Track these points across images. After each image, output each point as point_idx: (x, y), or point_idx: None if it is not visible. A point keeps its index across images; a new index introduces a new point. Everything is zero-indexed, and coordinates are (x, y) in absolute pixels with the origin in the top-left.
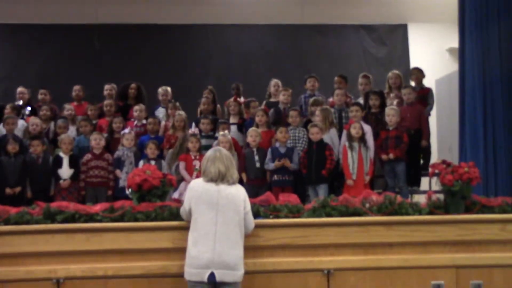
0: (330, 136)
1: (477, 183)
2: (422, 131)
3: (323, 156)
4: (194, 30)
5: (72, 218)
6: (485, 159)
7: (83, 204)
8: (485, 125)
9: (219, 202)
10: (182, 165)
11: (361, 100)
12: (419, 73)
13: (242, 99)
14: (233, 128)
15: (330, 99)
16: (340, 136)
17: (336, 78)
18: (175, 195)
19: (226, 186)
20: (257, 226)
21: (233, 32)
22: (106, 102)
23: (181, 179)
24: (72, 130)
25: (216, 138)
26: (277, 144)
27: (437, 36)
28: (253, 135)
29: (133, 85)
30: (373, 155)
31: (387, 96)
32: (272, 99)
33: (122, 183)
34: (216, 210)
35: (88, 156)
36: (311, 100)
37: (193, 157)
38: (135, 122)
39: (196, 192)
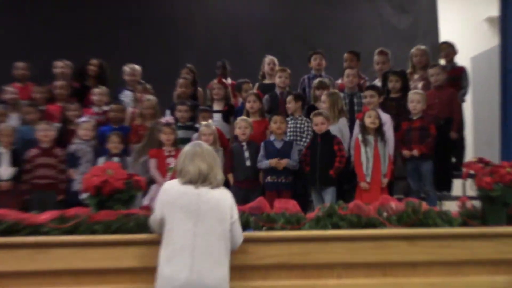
0: (339, 127)
1: None
2: (453, 121)
3: (330, 152)
4: None
5: (13, 229)
6: None
7: (26, 211)
8: None
9: (199, 209)
10: (153, 163)
11: (378, 83)
12: (450, 49)
13: (229, 81)
14: (217, 116)
15: (339, 81)
16: (351, 127)
17: (346, 55)
18: (145, 201)
19: (208, 190)
20: (247, 240)
21: None
22: (57, 83)
23: (152, 181)
24: (14, 118)
25: (195, 129)
26: (272, 137)
27: (473, 2)
28: (242, 126)
29: (93, 61)
30: (393, 151)
31: (410, 77)
32: (266, 81)
33: (76, 185)
34: (195, 219)
35: (33, 151)
36: (316, 82)
37: (167, 153)
38: (95, 109)
39: (170, 196)
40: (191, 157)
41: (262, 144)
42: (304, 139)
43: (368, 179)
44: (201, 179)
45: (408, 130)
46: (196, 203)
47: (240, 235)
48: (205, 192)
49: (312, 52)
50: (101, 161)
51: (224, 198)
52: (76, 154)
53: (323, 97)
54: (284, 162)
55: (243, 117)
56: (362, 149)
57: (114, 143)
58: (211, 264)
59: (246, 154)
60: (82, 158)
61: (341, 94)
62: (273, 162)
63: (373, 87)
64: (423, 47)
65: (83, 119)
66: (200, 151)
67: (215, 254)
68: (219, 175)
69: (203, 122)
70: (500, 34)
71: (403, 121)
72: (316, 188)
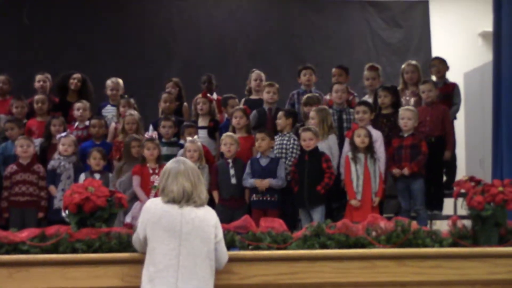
0: (328, 144)
1: None
2: (445, 139)
3: (318, 169)
4: (154, 3)
5: None
6: None
7: (5, 229)
8: None
9: (182, 228)
10: (136, 180)
11: (368, 99)
12: (441, 65)
13: (214, 96)
14: (202, 132)
15: (327, 97)
16: (340, 144)
17: (334, 70)
18: (127, 219)
19: (192, 209)
20: (232, 260)
21: (204, 7)
22: (36, 97)
23: (133, 198)
24: None
25: (180, 146)
26: (259, 155)
27: (467, 16)
28: (227, 142)
29: (76, 75)
30: (384, 169)
31: (401, 93)
32: (253, 96)
33: (57, 203)
34: (179, 239)
35: (12, 167)
36: (304, 98)
37: (150, 171)
38: (76, 124)
39: (153, 215)
40: (174, 175)
41: (249, 161)
42: (289, 158)
43: (359, 197)
44: (185, 198)
45: (398, 148)
46: (180, 223)
47: (225, 254)
48: (188, 211)
49: (302, 67)
50: (82, 177)
51: (208, 217)
52: (57, 171)
53: (312, 113)
54: (266, 183)
55: (229, 133)
56: (352, 167)
57: (95, 160)
58: (195, 285)
59: (232, 171)
60: (63, 174)
61: (330, 110)
62: (258, 183)
63: (365, 103)
64: (414, 62)
65: (63, 134)
66: (184, 169)
67: (200, 274)
68: (203, 194)
69: (189, 138)
70: (493, 50)
71: (394, 138)
72: (304, 207)
